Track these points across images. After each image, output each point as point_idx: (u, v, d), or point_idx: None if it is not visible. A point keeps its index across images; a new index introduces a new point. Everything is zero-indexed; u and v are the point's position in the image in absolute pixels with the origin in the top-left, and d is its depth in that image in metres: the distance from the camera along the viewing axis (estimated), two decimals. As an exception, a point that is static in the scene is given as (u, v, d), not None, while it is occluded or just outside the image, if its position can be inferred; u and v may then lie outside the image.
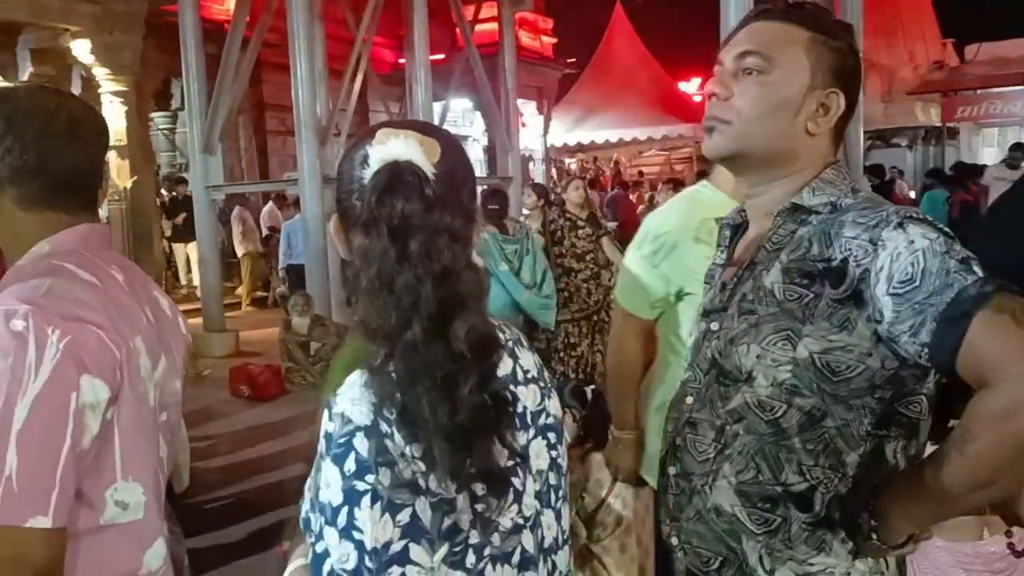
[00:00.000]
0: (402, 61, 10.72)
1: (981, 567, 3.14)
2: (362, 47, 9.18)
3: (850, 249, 1.10)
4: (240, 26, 8.42)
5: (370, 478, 0.88)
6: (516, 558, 1.01)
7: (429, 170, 0.95)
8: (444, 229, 0.94)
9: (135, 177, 9.77)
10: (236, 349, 8.37)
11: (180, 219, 10.63)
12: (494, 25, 11.31)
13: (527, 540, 1.02)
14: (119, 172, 9.73)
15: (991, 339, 0.99)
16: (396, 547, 0.89)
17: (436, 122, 10.13)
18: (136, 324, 1.25)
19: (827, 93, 1.21)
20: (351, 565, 0.88)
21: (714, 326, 1.25)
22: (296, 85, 7.63)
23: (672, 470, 1.30)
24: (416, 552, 0.90)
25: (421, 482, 0.90)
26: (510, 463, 1.00)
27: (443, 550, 0.92)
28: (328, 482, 0.89)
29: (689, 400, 1.28)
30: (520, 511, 1.02)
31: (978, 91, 16.15)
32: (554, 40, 18.85)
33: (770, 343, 1.15)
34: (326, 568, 0.90)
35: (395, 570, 0.89)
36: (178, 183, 11.02)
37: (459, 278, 0.94)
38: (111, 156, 9.90)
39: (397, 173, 0.94)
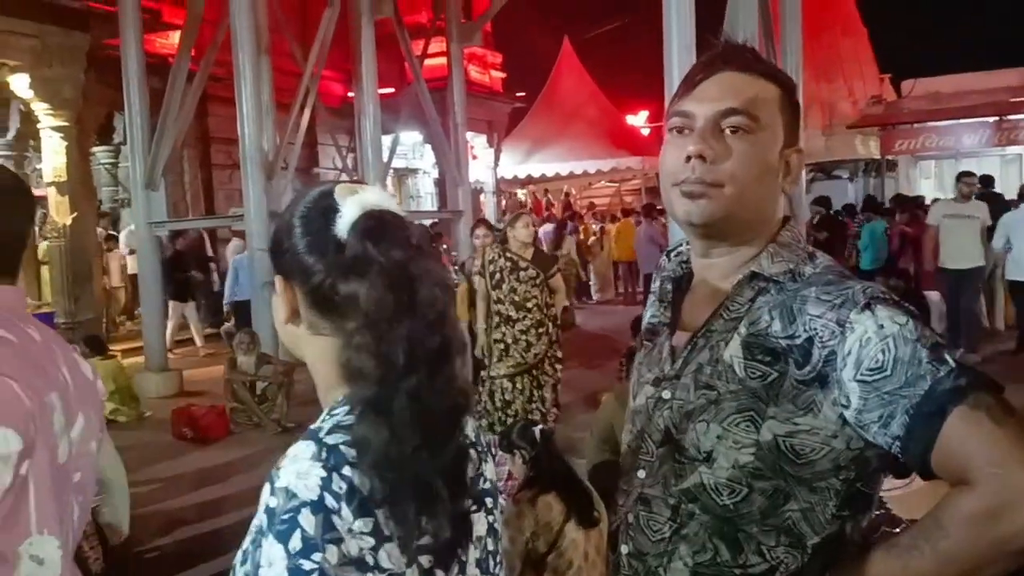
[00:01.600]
0: (351, 95, 10.68)
1: None
2: (310, 81, 9.13)
3: (815, 329, 1.06)
4: (184, 60, 8.32)
5: (317, 556, 0.84)
6: None
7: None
8: (437, 276, 0.96)
9: (75, 214, 9.52)
10: (180, 389, 8.16)
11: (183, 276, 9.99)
12: (443, 59, 11.36)
13: None
14: (58, 209, 9.48)
15: (968, 437, 0.97)
16: None
17: (385, 155, 10.10)
18: (52, 381, 1.24)
19: (792, 151, 1.19)
20: None
21: (666, 395, 1.19)
22: (242, 119, 7.56)
23: (624, 548, 1.22)
24: None
25: (369, 559, 0.87)
26: (453, 532, 0.98)
27: None
28: (270, 560, 0.84)
29: (641, 474, 1.21)
30: None
31: (915, 125, 16.65)
32: (503, 74, 19.03)
33: (732, 423, 1.10)
34: None
35: None
36: (177, 235, 10.40)
37: (453, 325, 0.96)
38: (51, 192, 9.65)
39: (384, 221, 0.95)
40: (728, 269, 1.20)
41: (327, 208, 0.97)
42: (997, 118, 15.61)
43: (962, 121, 15.93)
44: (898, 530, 3.35)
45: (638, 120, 21.76)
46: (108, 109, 11.28)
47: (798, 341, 1.07)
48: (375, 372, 0.91)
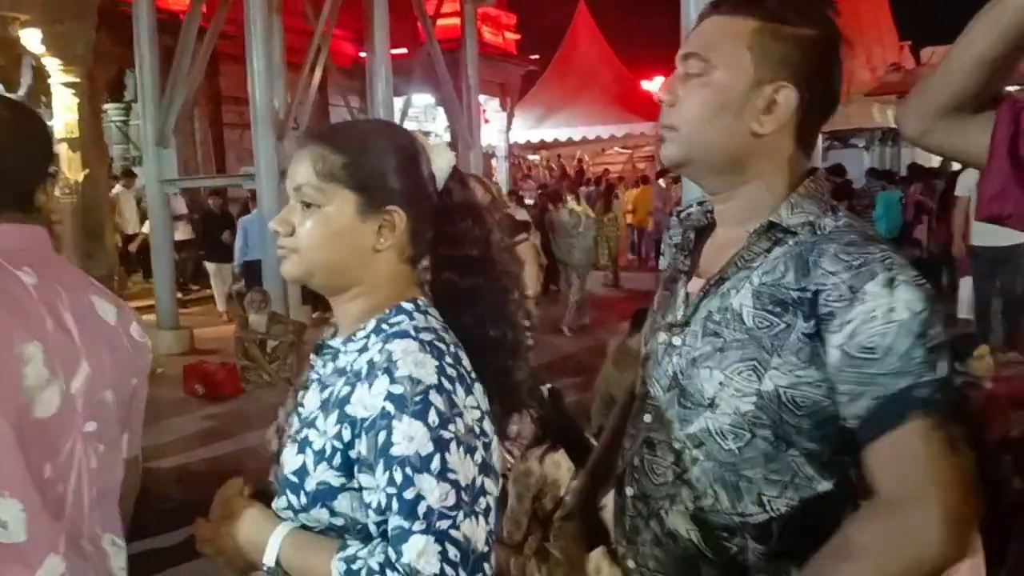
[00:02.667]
0: (363, 55, 10.59)
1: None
2: (321, 40, 9.06)
3: (825, 285, 1.05)
4: (196, 17, 8.25)
5: (452, 427, 1.02)
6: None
7: None
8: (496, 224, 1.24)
9: (87, 170, 9.51)
10: (190, 346, 8.20)
11: (226, 235, 9.63)
12: (456, 20, 11.25)
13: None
14: (70, 165, 9.47)
15: (917, 453, 1.00)
16: (478, 482, 1.03)
17: (397, 118, 10.05)
18: (32, 331, 1.18)
19: (775, 87, 1.12)
20: (451, 501, 1.00)
21: (676, 341, 1.19)
22: (252, 78, 7.51)
23: (629, 491, 1.24)
24: (488, 484, 1.05)
25: (477, 428, 1.05)
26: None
27: (500, 483, 1.07)
28: (411, 436, 1.00)
29: (647, 418, 1.22)
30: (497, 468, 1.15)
31: (933, 93, 16.40)
32: (517, 36, 18.82)
33: (734, 372, 1.10)
34: (421, 509, 0.99)
35: (481, 501, 1.03)
36: (214, 193, 10.27)
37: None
38: (62, 148, 9.64)
39: (463, 176, 1.22)
40: (739, 213, 1.19)
41: (419, 152, 1.16)
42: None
43: (981, 90, 15.68)
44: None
45: (653, 86, 21.51)
46: (119, 66, 11.23)
47: (807, 294, 1.06)
48: (454, 290, 1.16)
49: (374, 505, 1.03)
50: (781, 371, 1.06)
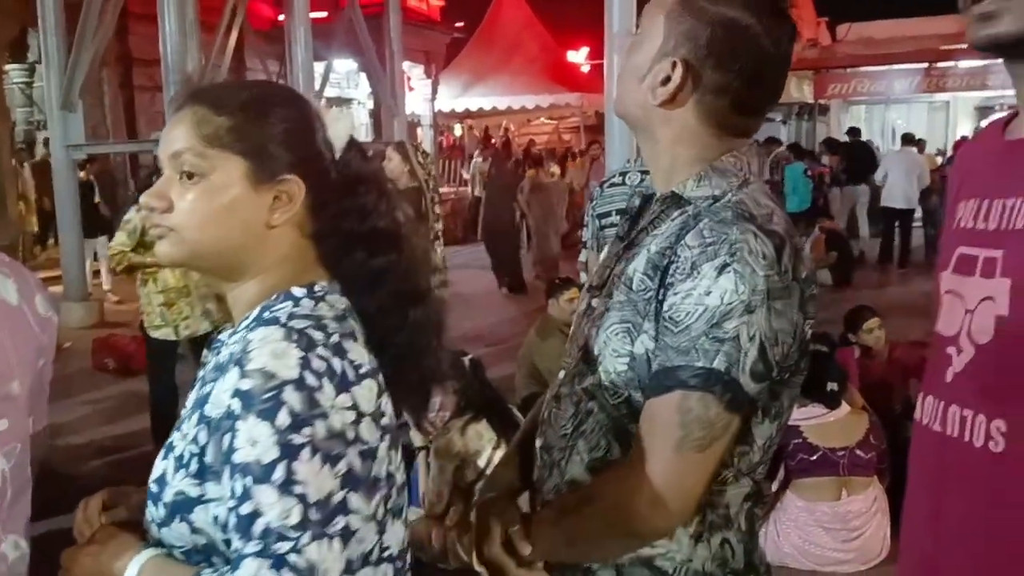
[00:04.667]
0: (282, 18, 10.27)
1: (839, 525, 3.32)
2: (237, 0, 8.74)
3: (679, 258, 1.07)
4: (102, -28, 7.84)
5: (306, 431, 0.87)
6: (403, 515, 1.04)
7: None
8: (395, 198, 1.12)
9: (-15, 134, 9.02)
10: (101, 319, 7.91)
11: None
12: (379, -16, 10.99)
13: (405, 500, 1.06)
14: (-33, 128, 8.96)
15: (655, 426, 1.04)
16: (337, 497, 0.89)
17: (318, 83, 9.79)
18: None
19: (672, 62, 1.12)
20: (294, 519, 0.86)
21: (595, 303, 1.21)
22: (164, 38, 7.19)
23: (538, 442, 1.27)
24: (355, 501, 0.91)
25: (351, 433, 0.91)
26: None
27: (376, 498, 0.94)
28: (254, 439, 0.86)
29: (561, 375, 1.25)
30: (402, 468, 1.04)
31: (848, 69, 16.87)
32: (442, 3, 18.54)
33: (613, 332, 1.13)
34: (258, 528, 0.86)
35: (339, 520, 0.89)
36: (89, 161, 9.30)
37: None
38: (-42, 110, 9.10)
39: (362, 146, 1.10)
40: (660, 185, 1.20)
41: (315, 117, 1.04)
42: (927, 65, 15.91)
43: (894, 67, 16.20)
44: (814, 457, 3.45)
45: (578, 56, 21.52)
46: (21, 25, 10.64)
47: (666, 262, 1.08)
48: (364, 269, 1.03)
49: (220, 521, 0.90)
50: (649, 335, 1.08)
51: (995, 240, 0.96)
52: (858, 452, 3.32)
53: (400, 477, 1.02)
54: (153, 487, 0.97)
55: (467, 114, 18.55)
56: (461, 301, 8.67)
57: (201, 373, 1.03)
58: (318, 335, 0.93)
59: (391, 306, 1.05)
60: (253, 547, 0.85)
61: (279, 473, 0.85)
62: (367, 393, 0.95)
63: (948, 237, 1.06)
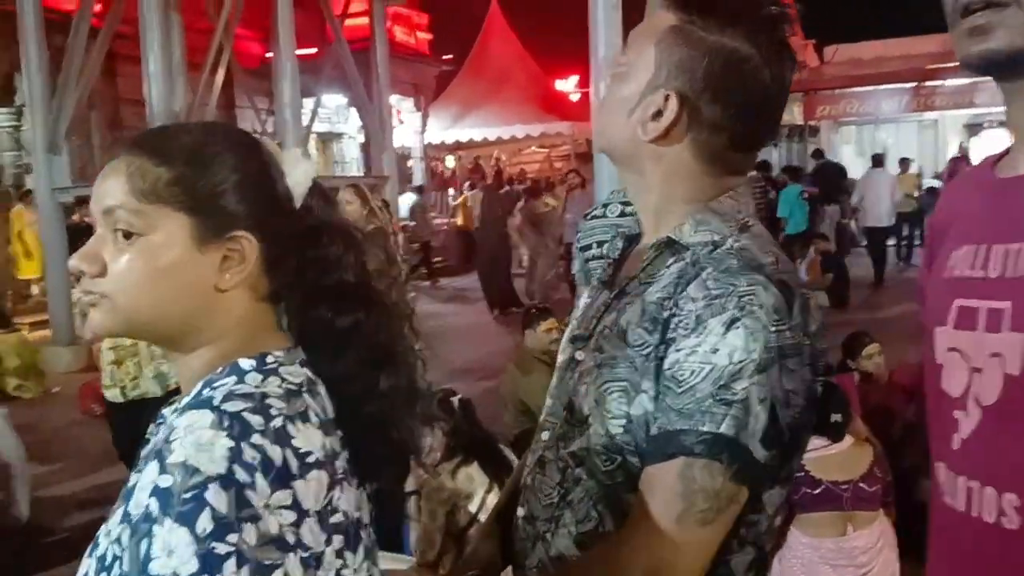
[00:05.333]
0: (270, 55, 10.27)
1: (845, 562, 3.20)
2: (224, 38, 8.73)
3: (681, 311, 0.97)
4: (85, 16, 7.85)
5: (232, 538, 0.73)
6: None
7: None
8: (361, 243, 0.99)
9: (-29, 179, 8.96)
10: (88, 363, 7.78)
11: None
12: (366, 19, 11.02)
13: None
14: (-48, 174, 8.90)
15: (653, 497, 0.95)
16: None
17: (306, 119, 9.76)
18: None
19: (664, 95, 1.03)
20: None
21: (579, 356, 1.10)
22: (148, 79, 7.18)
23: (520, 511, 1.15)
24: None
25: (290, 536, 0.77)
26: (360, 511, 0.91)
27: None
28: (170, 548, 0.72)
29: (544, 436, 1.13)
30: (369, 570, 0.90)
31: (836, 91, 16.94)
32: (430, 36, 18.65)
33: (607, 391, 1.01)
34: None
35: None
36: (80, 204, 9.25)
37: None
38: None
39: (326, 192, 0.97)
40: (651, 227, 1.10)
41: (269, 161, 0.92)
42: (915, 84, 15.99)
43: (882, 87, 16.29)
44: (817, 491, 3.34)
45: (567, 85, 21.62)
46: (8, 69, 10.63)
47: (666, 315, 0.98)
48: (329, 331, 0.91)
49: None
50: (649, 395, 0.98)
51: (999, 290, 0.85)
52: (862, 485, 3.21)
53: None
54: None
55: (457, 145, 18.59)
56: (452, 333, 8.59)
57: (143, 452, 0.89)
58: (255, 420, 0.79)
59: (359, 372, 0.92)
60: None
61: None
62: (314, 487, 0.80)
63: (940, 287, 0.94)
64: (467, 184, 16.02)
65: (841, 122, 17.81)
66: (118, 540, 0.79)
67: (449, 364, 7.08)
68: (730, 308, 0.93)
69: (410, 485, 3.43)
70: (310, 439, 0.82)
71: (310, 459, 0.81)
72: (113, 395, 3.92)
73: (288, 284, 0.91)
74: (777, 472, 0.98)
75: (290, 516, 0.77)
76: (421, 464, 3.29)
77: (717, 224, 1.03)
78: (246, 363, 0.86)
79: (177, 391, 0.94)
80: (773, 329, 0.93)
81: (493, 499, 3.02)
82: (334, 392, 0.90)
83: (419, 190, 14.57)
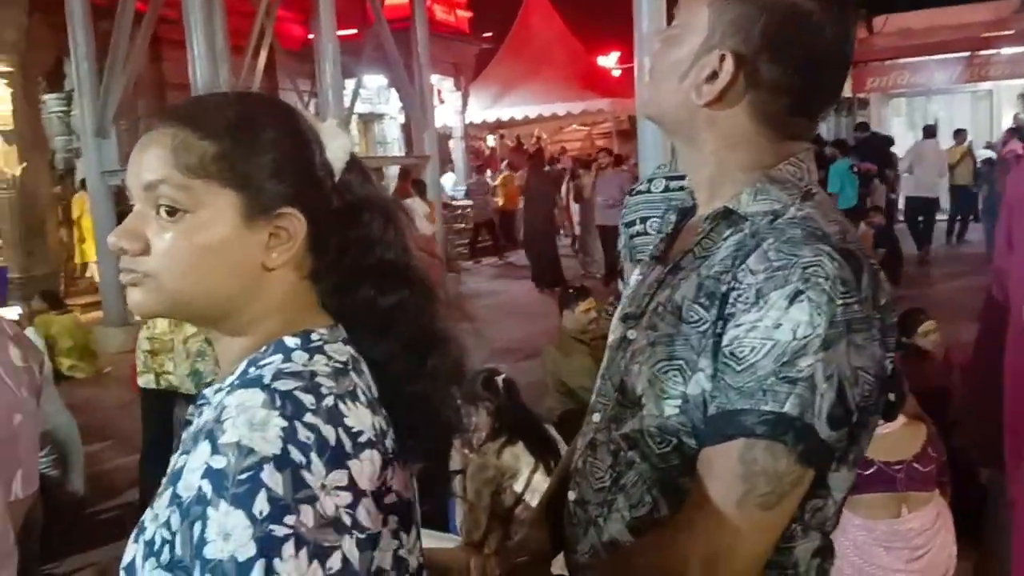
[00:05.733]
0: (311, 37, 10.30)
1: (900, 544, 3.13)
2: (265, 21, 8.77)
3: (740, 284, 0.92)
4: (130, 1, 7.92)
5: (290, 519, 0.72)
6: None
7: None
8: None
9: (24, 164, 9.16)
10: (140, 343, 7.95)
11: None
12: (405, -1, 10.98)
13: None
14: (6, 158, 9.11)
15: (712, 479, 0.91)
16: None
17: (348, 100, 9.79)
18: None
19: (720, 55, 0.98)
20: None
21: (631, 335, 1.06)
22: (193, 62, 7.23)
23: (571, 495, 1.12)
24: None
25: (346, 518, 0.75)
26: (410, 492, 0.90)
27: None
28: (226, 531, 0.71)
29: (596, 417, 1.09)
30: (420, 549, 0.88)
31: (886, 62, 16.48)
32: (469, 14, 18.53)
33: (661, 370, 0.97)
34: None
35: None
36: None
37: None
38: (-5, 141, 9.29)
39: (363, 166, 0.95)
40: (705, 199, 1.06)
41: (311, 135, 0.89)
42: (969, 54, 15.48)
43: (934, 57, 15.80)
44: (868, 472, 3.26)
45: (608, 61, 21.38)
46: (57, 54, 10.79)
47: (725, 289, 0.94)
48: (372, 310, 0.89)
49: None
50: (706, 374, 0.94)
51: None
52: (916, 466, 3.13)
53: (415, 560, 0.86)
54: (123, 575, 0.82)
55: (498, 124, 18.51)
56: (496, 312, 8.58)
57: (184, 435, 0.89)
58: (307, 399, 0.78)
59: (403, 351, 0.90)
60: None
61: (256, 574, 0.70)
62: (367, 467, 0.79)
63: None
64: (504, 163, 15.98)
65: (891, 94, 17.33)
66: (167, 524, 0.77)
67: (493, 343, 7.08)
68: (793, 280, 0.88)
69: (455, 464, 3.43)
70: (360, 418, 0.81)
71: (362, 439, 0.79)
72: (147, 380, 3.90)
73: (330, 262, 0.89)
74: (845, 453, 0.93)
75: (346, 497, 0.76)
76: (466, 443, 3.29)
77: (777, 192, 0.99)
78: (291, 341, 0.84)
79: (188, 424, 0.92)
80: (840, 302, 0.88)
81: (538, 479, 3.00)
82: (377, 371, 0.88)
83: (479, 169, 14.70)
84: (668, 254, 1.11)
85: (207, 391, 0.90)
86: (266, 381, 0.79)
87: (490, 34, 19.08)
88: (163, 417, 3.82)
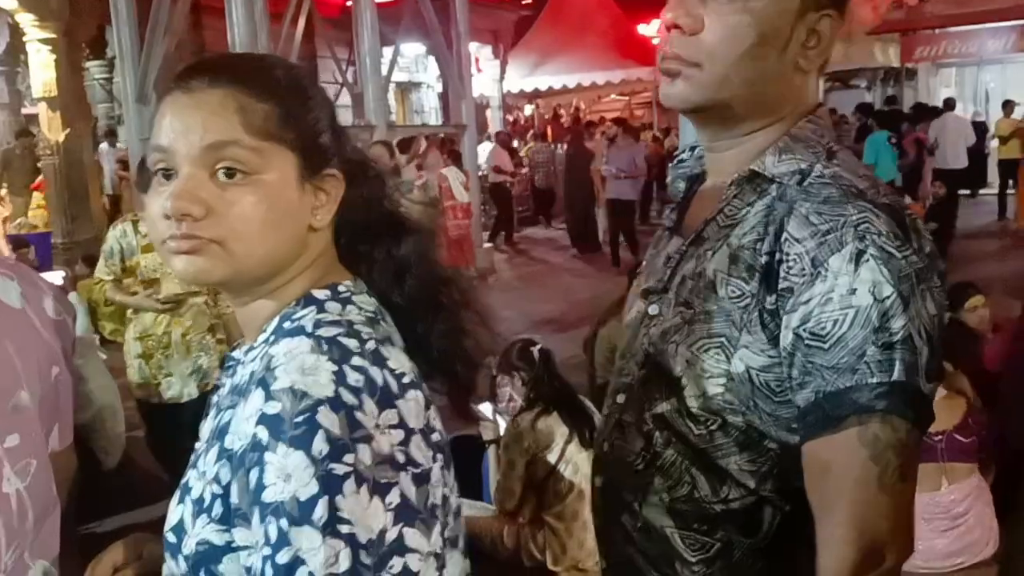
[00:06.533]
0: (350, 3, 10.26)
1: (942, 514, 3.08)
2: (304, -12, 8.73)
3: (788, 255, 0.89)
4: (171, -33, 7.93)
5: (349, 458, 0.74)
6: (461, 544, 0.88)
7: None
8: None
9: (68, 130, 9.27)
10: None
11: None
12: (445, -35, 10.86)
13: (462, 526, 0.90)
14: (50, 125, 9.23)
15: (841, 466, 0.87)
16: (391, 535, 0.75)
17: (385, 68, 9.76)
18: None
19: (819, 17, 0.96)
20: (344, 566, 0.72)
21: (653, 310, 1.04)
22: (232, 28, 7.24)
23: (598, 480, 1.10)
24: (412, 537, 0.77)
25: (400, 455, 0.77)
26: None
27: (436, 530, 0.80)
28: (287, 473, 0.73)
29: (620, 398, 1.07)
30: (456, 489, 0.89)
31: (936, 30, 16.02)
32: (509, -19, 18.33)
33: (701, 349, 0.95)
34: None
35: (395, 562, 0.75)
36: None
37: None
38: (41, 108, 9.39)
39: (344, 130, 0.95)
40: (738, 164, 1.00)
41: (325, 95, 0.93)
42: (1022, 22, 14.98)
43: (986, 26, 15.30)
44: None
45: (649, 30, 21.04)
46: (99, 21, 10.88)
47: (773, 262, 0.91)
48: (390, 259, 0.93)
49: (255, 572, 0.75)
50: (752, 350, 0.91)
51: None
52: (957, 436, 3.08)
53: (455, 500, 0.87)
54: (170, 537, 0.84)
55: (536, 93, 18.34)
56: (532, 284, 8.56)
57: (215, 399, 0.91)
58: (352, 343, 0.80)
59: (422, 294, 0.93)
60: None
61: (320, 511, 0.72)
62: (414, 406, 0.80)
63: None
64: (530, 134, 15.79)
65: (940, 64, 16.84)
66: (216, 479, 0.80)
67: (530, 315, 7.07)
68: (849, 241, 0.86)
69: (490, 434, 3.43)
70: (401, 361, 0.83)
71: (405, 380, 0.81)
72: (146, 393, 3.54)
73: (350, 220, 0.92)
74: None
75: (399, 435, 0.78)
76: (501, 412, 3.29)
77: (803, 151, 0.96)
78: (321, 294, 0.86)
79: (214, 389, 0.94)
80: (900, 255, 0.86)
81: (572, 449, 2.99)
82: (401, 319, 0.91)
83: (541, 136, 14.60)
84: (683, 224, 1.08)
85: (236, 353, 0.91)
86: (309, 330, 0.81)
87: (529, 1, 18.86)
88: (172, 433, 3.34)
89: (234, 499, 0.77)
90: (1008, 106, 12.56)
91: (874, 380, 0.85)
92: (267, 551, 0.73)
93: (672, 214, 1.11)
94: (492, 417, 3.41)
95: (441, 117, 15.73)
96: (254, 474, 0.74)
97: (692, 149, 1.14)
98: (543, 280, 9.21)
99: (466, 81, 10.28)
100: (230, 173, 0.81)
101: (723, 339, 0.93)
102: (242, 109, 0.82)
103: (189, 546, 0.81)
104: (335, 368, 0.76)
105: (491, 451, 3.42)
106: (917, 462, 0.89)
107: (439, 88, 15.84)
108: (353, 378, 0.77)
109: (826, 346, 0.86)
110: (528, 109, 20.07)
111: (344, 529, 0.72)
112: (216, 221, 0.81)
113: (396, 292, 0.92)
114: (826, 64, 1.00)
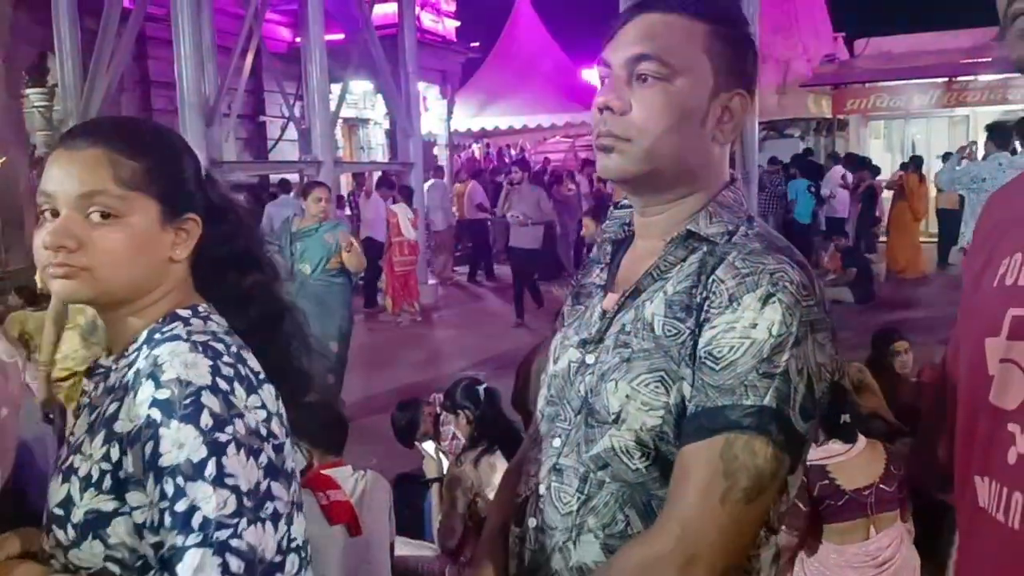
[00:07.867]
0: (298, 40, 10.30)
1: (869, 562, 3.17)
2: (253, 22, 8.77)
3: (713, 292, 1.00)
4: (118, -3, 7.90)
5: (229, 429, 0.95)
6: (303, 509, 1.06)
7: None
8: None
9: (3, 158, 9.06)
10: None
11: None
12: (394, 6, 11.02)
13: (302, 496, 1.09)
14: (-15, 152, 9.00)
15: (695, 473, 0.96)
16: (263, 486, 0.96)
17: (334, 104, 9.80)
18: None
19: (731, 96, 1.08)
20: (231, 508, 0.93)
21: (589, 359, 1.11)
22: (180, 61, 7.23)
23: (532, 522, 1.14)
24: (277, 488, 0.98)
25: (263, 430, 0.99)
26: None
27: (292, 488, 1.01)
28: (180, 442, 0.93)
29: (556, 443, 1.12)
30: (299, 466, 1.11)
31: (866, 84, 16.71)
32: (457, 23, 18.60)
33: (641, 383, 1.02)
34: (196, 521, 0.91)
35: (268, 505, 0.96)
36: None
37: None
38: (-24, 134, 9.16)
39: (212, 175, 1.18)
40: (666, 228, 1.11)
41: (193, 154, 1.13)
42: (947, 79, 15.73)
43: (913, 81, 16.03)
44: (842, 502, 3.28)
45: (593, 75, 21.49)
46: (40, 48, 10.72)
47: (699, 300, 1.01)
48: (238, 289, 1.13)
49: (147, 524, 0.94)
50: (689, 381, 1.00)
51: None
52: (883, 487, 3.17)
53: (297, 474, 1.07)
54: (57, 511, 0.99)
55: (483, 133, 18.56)
56: (476, 323, 8.58)
57: (85, 400, 1.08)
58: (220, 346, 1.00)
59: (262, 322, 1.12)
60: (194, 539, 0.91)
61: (210, 469, 0.92)
62: (269, 395, 1.02)
63: (990, 297, 0.92)
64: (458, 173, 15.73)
65: (870, 116, 17.57)
66: (105, 457, 0.97)
67: (474, 354, 7.10)
68: (763, 284, 0.97)
69: (432, 472, 3.45)
70: (256, 362, 1.04)
71: (261, 376, 1.03)
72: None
73: (206, 253, 1.10)
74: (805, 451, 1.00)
75: (262, 414, 0.99)
76: (444, 452, 3.31)
77: (729, 215, 1.08)
78: (183, 312, 1.06)
79: (83, 394, 1.12)
80: (804, 304, 0.97)
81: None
82: (243, 339, 1.08)
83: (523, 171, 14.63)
84: (612, 283, 1.16)
85: (103, 361, 1.09)
86: (184, 336, 1.00)
87: (477, 43, 19.15)
88: None
89: (128, 470, 0.95)
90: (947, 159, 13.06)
91: (747, 402, 0.94)
92: (164, 504, 0.92)
93: (602, 273, 1.20)
94: (435, 455, 3.43)
95: (388, 154, 15.78)
96: (149, 447, 0.93)
97: (616, 214, 1.24)
98: (489, 317, 9.25)
99: (414, 119, 10.39)
100: (104, 215, 1.01)
101: (663, 373, 1.01)
102: (112, 164, 1.01)
103: (77, 516, 0.97)
104: (211, 363, 0.97)
105: (434, 489, 3.43)
106: (768, 493, 0.94)
107: (387, 125, 15.91)
108: (225, 371, 0.98)
109: (717, 368, 0.96)
110: (475, 149, 20.26)
111: (230, 482, 0.93)
112: (86, 253, 1.00)
113: (238, 318, 1.09)
114: (738, 137, 1.14)
